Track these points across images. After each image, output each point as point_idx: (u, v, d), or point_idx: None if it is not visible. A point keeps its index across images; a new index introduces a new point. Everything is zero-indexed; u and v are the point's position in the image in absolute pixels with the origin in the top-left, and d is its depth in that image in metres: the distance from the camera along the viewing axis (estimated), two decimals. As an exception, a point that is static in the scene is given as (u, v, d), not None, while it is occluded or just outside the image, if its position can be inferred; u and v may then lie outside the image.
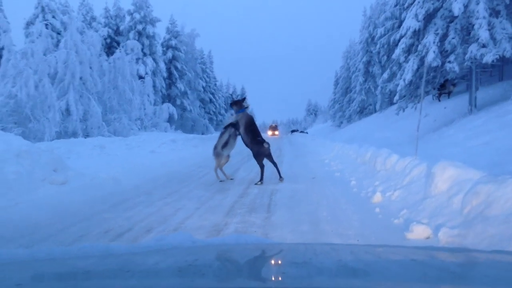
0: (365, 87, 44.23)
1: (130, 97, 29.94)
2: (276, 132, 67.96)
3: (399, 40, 30.10)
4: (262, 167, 8.47)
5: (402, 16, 28.02)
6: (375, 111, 42.24)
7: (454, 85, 24.68)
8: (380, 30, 33.14)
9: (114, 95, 28.83)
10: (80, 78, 24.60)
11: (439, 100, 25.09)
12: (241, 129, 8.64)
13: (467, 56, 15.22)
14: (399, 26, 30.62)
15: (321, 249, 1.99)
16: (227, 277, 1.45)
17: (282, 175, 8.48)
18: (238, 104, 8.94)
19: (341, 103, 61.69)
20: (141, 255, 1.96)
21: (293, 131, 56.57)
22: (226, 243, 2.40)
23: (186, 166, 11.93)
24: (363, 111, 47.34)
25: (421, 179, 4.87)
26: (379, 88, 34.70)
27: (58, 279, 1.52)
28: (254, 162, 8.77)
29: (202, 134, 47.15)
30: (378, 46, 33.46)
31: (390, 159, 6.67)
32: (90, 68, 25.49)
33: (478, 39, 14.87)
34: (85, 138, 21.43)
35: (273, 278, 1.45)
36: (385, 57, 34.17)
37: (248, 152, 8.92)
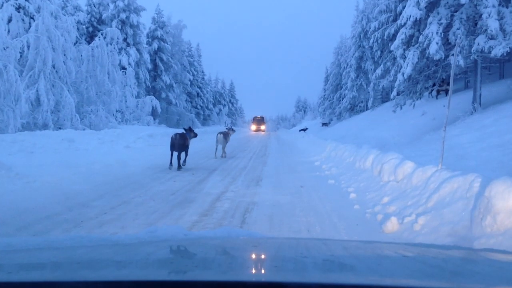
0: (357, 84, 42.75)
1: (109, 88, 28.17)
2: (262, 127, 54.78)
3: (394, 34, 28.70)
4: None
5: (398, 9, 26.50)
6: (367, 109, 40.81)
7: (448, 83, 23.32)
8: (374, 24, 31.57)
9: (92, 86, 27.02)
10: (53, 66, 22.86)
11: (437, 98, 23.69)
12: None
13: (473, 48, 13.79)
14: (394, 20, 29.18)
15: (313, 244, 2.01)
16: (218, 270, 1.43)
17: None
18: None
19: (331, 100, 60.39)
20: (133, 246, 1.98)
21: (301, 130, 54.18)
22: (218, 236, 2.38)
23: (155, 166, 10.37)
24: (354, 108, 45.94)
25: (460, 201, 3.33)
26: (371, 84, 33.24)
27: (49, 268, 1.50)
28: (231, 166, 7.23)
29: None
30: (371, 40, 31.83)
31: (403, 167, 5.13)
32: (65, 55, 23.72)
33: (486, 30, 13.45)
34: (58, 130, 19.87)
35: (264, 272, 1.42)
36: (379, 52, 32.70)
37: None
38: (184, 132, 11.26)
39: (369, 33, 35.01)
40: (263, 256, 1.73)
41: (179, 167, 9.98)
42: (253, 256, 1.75)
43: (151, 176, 8.44)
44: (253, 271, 1.44)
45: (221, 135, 14.01)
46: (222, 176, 8.53)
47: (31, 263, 1.57)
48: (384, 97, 40.68)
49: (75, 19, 33.43)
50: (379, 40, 30.82)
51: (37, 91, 21.63)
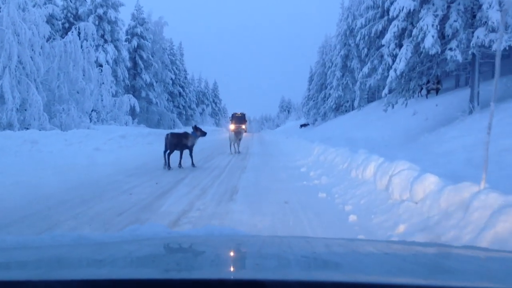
0: (343, 83, 41.62)
1: (83, 86, 26.61)
2: (243, 127, 45.51)
3: (382, 31, 27.68)
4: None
5: (386, 4, 25.42)
6: (353, 109, 39.75)
7: (439, 82, 22.29)
8: (361, 21, 30.45)
9: (64, 83, 25.42)
10: (20, 62, 21.28)
11: (426, 97, 22.61)
12: None
13: (472, 42, 12.66)
14: (382, 16, 28.16)
15: (296, 242, 1.97)
16: (202, 268, 1.42)
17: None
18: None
19: (316, 100, 59.47)
20: (114, 244, 1.97)
21: (302, 125, 52.85)
22: (201, 234, 2.39)
23: (118, 172, 8.96)
24: (339, 108, 44.92)
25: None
26: (358, 83, 32.11)
27: (29, 268, 1.48)
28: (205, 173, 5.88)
29: (170, 129, 43.85)
30: (358, 38, 30.74)
31: (423, 183, 3.82)
32: (33, 50, 22.13)
33: (486, 22, 12.35)
34: (25, 130, 18.35)
35: (246, 270, 1.43)
36: (366, 50, 31.59)
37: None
38: (185, 132, 11.24)
39: (355, 30, 33.98)
40: (245, 254, 1.72)
41: (166, 165, 10.27)
42: (236, 254, 1.73)
43: (106, 187, 7.04)
44: (235, 269, 1.42)
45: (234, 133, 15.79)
46: (191, 187, 7.15)
47: (9, 262, 1.55)
48: (370, 97, 39.69)
49: (49, 13, 31.88)
50: (366, 37, 29.80)
51: (1, 87, 20.04)
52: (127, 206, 5.40)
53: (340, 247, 1.83)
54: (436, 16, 13.46)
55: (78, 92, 26.63)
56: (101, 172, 8.82)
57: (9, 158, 12.05)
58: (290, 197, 6.08)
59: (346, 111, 43.04)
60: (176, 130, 13.01)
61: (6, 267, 1.47)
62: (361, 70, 29.96)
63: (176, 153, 10.64)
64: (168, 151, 10.50)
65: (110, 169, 9.66)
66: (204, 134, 11.54)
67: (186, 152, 10.96)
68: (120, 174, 8.68)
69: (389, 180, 4.46)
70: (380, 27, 27.60)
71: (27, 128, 20.35)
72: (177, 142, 10.71)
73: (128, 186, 7.03)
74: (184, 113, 67.20)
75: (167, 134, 10.89)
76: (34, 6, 24.69)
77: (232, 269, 1.43)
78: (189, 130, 11.72)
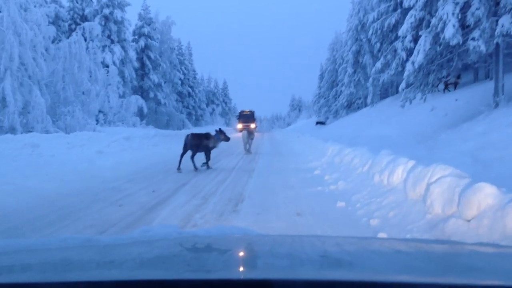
0: (354, 79, 40.57)
1: (88, 87, 26.05)
2: (252, 126, 41.95)
3: (395, 24, 26.72)
4: None
5: (399, -4, 24.48)
6: (365, 105, 38.71)
7: (458, 76, 21.26)
8: (373, 15, 29.47)
9: (69, 85, 24.87)
10: (22, 64, 20.72)
11: (444, 92, 21.60)
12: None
13: (497, 31, 11.71)
14: (395, 9, 27.18)
15: (308, 241, 1.95)
16: (212, 268, 1.39)
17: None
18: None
19: (327, 98, 58.54)
20: (124, 246, 1.94)
21: (318, 123, 52.16)
22: (212, 234, 2.33)
23: (116, 178, 8.26)
24: (351, 105, 43.90)
25: None
26: (370, 79, 31.12)
27: (38, 271, 1.45)
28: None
29: (179, 130, 43.15)
30: (370, 32, 29.78)
31: (476, 195, 2.96)
32: (35, 51, 21.56)
33: (511, 9, 11.42)
34: (26, 134, 17.78)
35: (255, 269, 1.42)
36: (378, 45, 30.62)
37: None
38: (208, 133, 10.85)
39: (367, 25, 32.99)
40: (256, 254, 1.71)
41: (196, 169, 9.97)
42: (246, 253, 1.71)
43: (96, 196, 6.27)
44: (245, 269, 1.42)
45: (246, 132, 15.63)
46: (191, 195, 6.33)
47: (19, 264, 1.53)
48: (383, 93, 38.63)
49: (53, 13, 31.39)
50: (379, 32, 28.86)
51: (2, 90, 19.47)
52: (112, 222, 4.62)
53: (351, 245, 1.81)
54: (456, 4, 12.54)
55: (83, 94, 26.10)
56: (97, 178, 8.08)
57: (6, 163, 11.46)
58: (303, 207, 5.22)
59: (358, 108, 42.01)
60: (196, 131, 12.40)
61: (9, 270, 1.44)
62: (374, 65, 29.03)
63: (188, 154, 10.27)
64: (183, 152, 10.18)
65: (108, 174, 8.93)
66: (227, 139, 11.36)
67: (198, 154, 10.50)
68: (117, 180, 7.95)
69: (427, 189, 3.61)
70: (393, 21, 26.64)
71: (30, 131, 19.77)
72: (198, 143, 10.27)
73: (121, 195, 6.25)
74: (194, 113, 66.64)
75: (187, 135, 10.55)
76: (35, 6, 24.12)
77: (241, 269, 1.42)
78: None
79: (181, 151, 10.17)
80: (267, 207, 5.34)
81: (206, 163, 10.35)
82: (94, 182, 7.48)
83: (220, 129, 11.39)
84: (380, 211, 4.28)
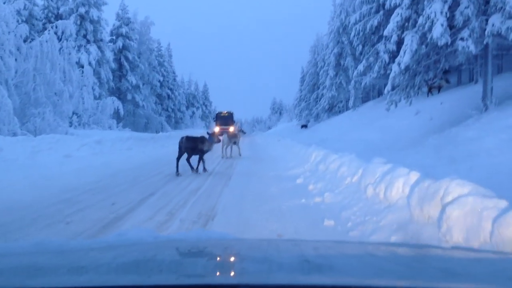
0: (336, 82, 40.09)
1: (61, 88, 24.95)
2: (231, 129, 33.48)
3: (377, 26, 26.26)
4: None
5: (381, -1, 24.02)
6: (347, 109, 38.27)
7: (442, 78, 20.81)
8: (355, 16, 29.00)
9: (40, 86, 23.74)
10: (-12, 62, 19.65)
11: (428, 95, 21.15)
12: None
13: (487, 30, 11.18)
14: (377, 11, 26.76)
15: (284, 245, 1.94)
16: (185, 273, 1.38)
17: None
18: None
19: (308, 101, 58.13)
20: (98, 250, 1.89)
21: (303, 126, 51.80)
22: (188, 239, 2.30)
23: (72, 186, 7.45)
24: (333, 108, 43.50)
25: None
26: (352, 82, 30.61)
27: (7, 275, 1.40)
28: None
29: (157, 132, 42.05)
30: (352, 34, 29.29)
31: (507, 221, 2.23)
32: (3, 49, 20.47)
33: (502, 7, 10.91)
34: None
35: (232, 274, 1.39)
36: (360, 47, 30.18)
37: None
38: (202, 136, 10.85)
39: (349, 27, 32.56)
40: (232, 258, 1.69)
41: (193, 169, 10.08)
42: (223, 258, 1.70)
43: (45, 210, 5.36)
44: (221, 273, 1.39)
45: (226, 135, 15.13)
46: (155, 209, 5.49)
47: None
48: (365, 97, 38.24)
49: (22, 9, 30.06)
50: (361, 34, 28.39)
51: (-34, 90, 18.39)
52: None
53: (329, 249, 1.81)
54: (445, 2, 11.98)
55: (56, 95, 24.98)
56: (52, 188, 7.18)
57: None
58: (286, 226, 4.40)
59: (339, 111, 41.60)
60: (191, 134, 12.01)
61: None
62: (356, 68, 28.51)
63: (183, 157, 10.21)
64: (179, 155, 10.16)
65: (68, 181, 8.04)
66: (219, 141, 11.57)
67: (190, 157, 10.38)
68: (75, 189, 7.07)
69: (442, 210, 2.86)
70: (375, 22, 26.20)
71: (-3, 134, 18.67)
72: (193, 146, 10.28)
73: (73, 209, 5.38)
74: (173, 116, 65.55)
75: (182, 137, 10.58)
76: (5, 3, 22.97)
77: (218, 273, 1.38)
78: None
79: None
80: (242, 225, 4.53)
81: (201, 167, 10.39)
82: (47, 192, 6.59)
83: (213, 131, 11.40)
84: (379, 233, 3.50)
